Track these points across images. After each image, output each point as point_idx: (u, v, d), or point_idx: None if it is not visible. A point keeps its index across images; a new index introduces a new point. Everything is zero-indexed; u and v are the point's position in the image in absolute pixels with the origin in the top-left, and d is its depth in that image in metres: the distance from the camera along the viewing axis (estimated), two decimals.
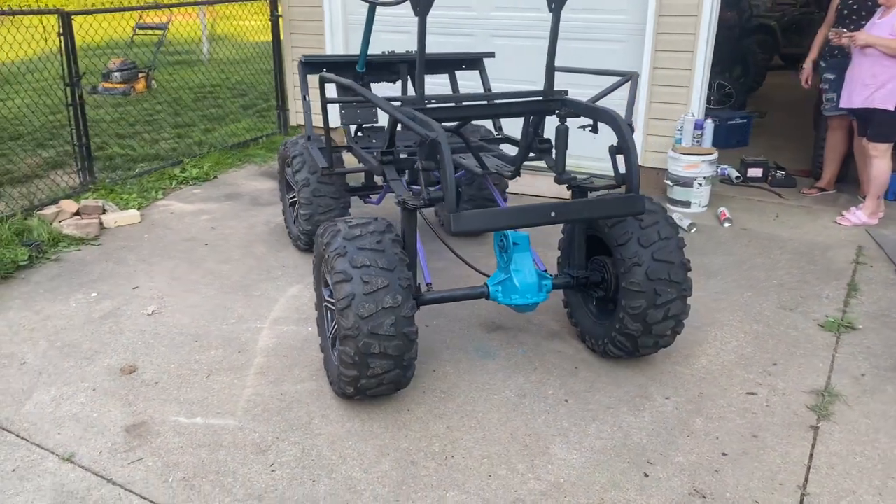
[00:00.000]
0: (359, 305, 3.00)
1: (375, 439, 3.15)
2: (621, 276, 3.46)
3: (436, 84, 6.28)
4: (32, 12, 5.70)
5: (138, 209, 6.02)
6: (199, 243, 5.34)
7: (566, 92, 3.84)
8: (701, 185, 6.02)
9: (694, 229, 5.61)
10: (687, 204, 6.07)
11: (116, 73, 11.17)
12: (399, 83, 5.16)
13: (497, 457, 3.05)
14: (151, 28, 12.39)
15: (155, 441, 3.13)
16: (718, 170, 6.84)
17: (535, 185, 6.55)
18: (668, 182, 6.16)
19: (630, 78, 3.63)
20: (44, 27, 6.21)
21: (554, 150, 3.71)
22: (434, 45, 7.44)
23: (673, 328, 3.50)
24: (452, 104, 3.64)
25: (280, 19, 8.11)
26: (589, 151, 6.83)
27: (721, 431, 3.22)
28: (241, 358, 3.79)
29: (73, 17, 5.85)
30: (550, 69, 3.75)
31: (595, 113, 3.51)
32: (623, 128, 3.18)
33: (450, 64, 5.08)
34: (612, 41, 6.58)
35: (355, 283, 3.02)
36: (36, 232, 5.24)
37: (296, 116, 8.37)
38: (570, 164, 7.05)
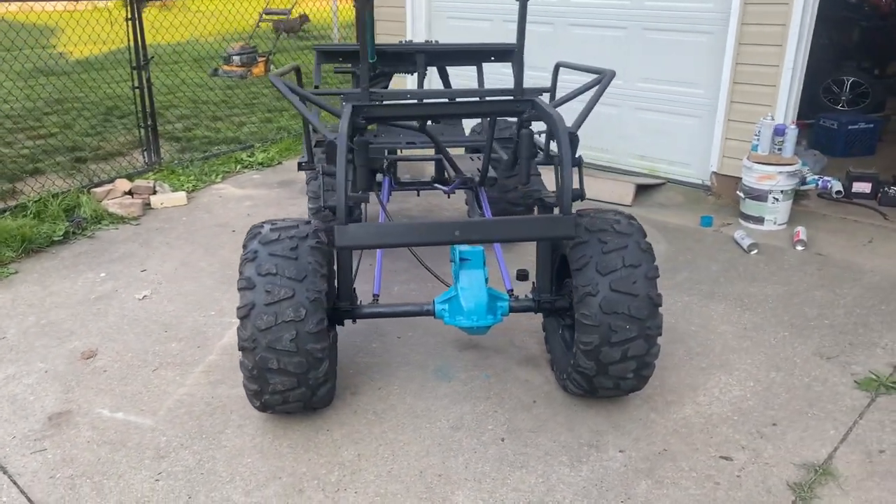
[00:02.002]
0: (257, 316, 2.79)
1: (277, 459, 2.94)
2: (576, 306, 3.01)
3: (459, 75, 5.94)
4: None
5: (190, 191, 6.18)
6: (226, 230, 5.37)
7: (539, 92, 3.37)
8: (777, 199, 5.23)
9: (754, 251, 4.89)
10: (759, 220, 5.32)
11: (236, 57, 11.66)
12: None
13: (392, 497, 2.74)
14: (276, 13, 12.81)
15: (68, 432, 3.11)
16: (819, 182, 5.97)
17: (595, 188, 6.01)
18: (741, 194, 5.42)
19: (604, 76, 3.10)
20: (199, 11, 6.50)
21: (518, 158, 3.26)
22: (510, 35, 7.05)
23: (636, 371, 3.00)
24: (398, 102, 3.31)
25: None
26: (664, 153, 6.23)
27: (665, 503, 2.71)
28: (197, 354, 3.71)
29: (142, 3, 6.05)
30: (519, 66, 3.29)
31: (544, 117, 3.05)
32: (560, 137, 2.72)
33: (477, 55, 4.71)
34: (697, 32, 5.89)
35: (257, 292, 2.81)
36: (83, 209, 5.49)
37: None
38: (644, 166, 6.47)
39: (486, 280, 3.19)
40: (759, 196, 5.28)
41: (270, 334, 2.79)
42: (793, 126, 5.31)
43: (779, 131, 5.29)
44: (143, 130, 6.49)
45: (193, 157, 6.94)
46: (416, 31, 7.68)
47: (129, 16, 5.99)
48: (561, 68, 3.97)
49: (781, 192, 5.23)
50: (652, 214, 5.68)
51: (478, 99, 3.42)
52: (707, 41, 5.83)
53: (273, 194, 6.18)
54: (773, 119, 5.31)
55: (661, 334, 2.98)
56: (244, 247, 2.97)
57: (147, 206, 5.82)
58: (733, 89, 5.62)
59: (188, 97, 9.76)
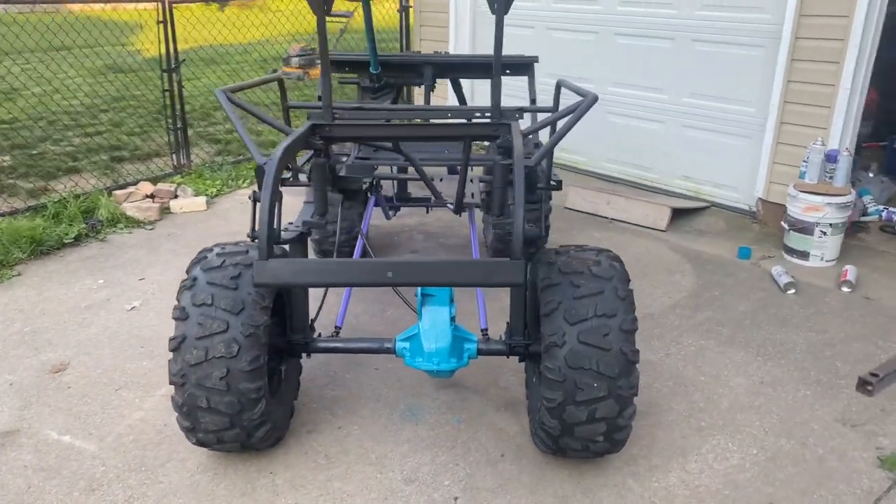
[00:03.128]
0: (187, 350, 2.60)
1: (209, 502, 2.74)
2: (542, 357, 2.68)
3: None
4: (136, 0, 5.94)
5: (213, 196, 6.11)
6: (237, 238, 5.24)
7: (519, 116, 3.03)
8: (825, 233, 4.72)
9: (791, 291, 4.40)
10: (804, 255, 4.81)
11: (294, 59, 11.67)
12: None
13: None
14: (339, 16, 12.75)
15: (7, 455, 2.99)
16: (884, 213, 5.39)
17: (628, 210, 5.61)
18: (785, 225, 4.92)
19: (584, 100, 2.74)
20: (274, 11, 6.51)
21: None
22: (553, 43, 6.71)
23: (606, 434, 2.65)
24: (364, 123, 3.05)
25: (411, 10, 7.82)
26: (710, 174, 5.78)
27: None
28: (164, 374, 3.54)
29: (174, 5, 6.02)
30: (496, 85, 2.96)
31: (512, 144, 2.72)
32: (516, 171, 2.39)
33: (490, 67, 4.38)
34: (749, 45, 5.41)
35: (190, 324, 2.62)
36: (100, 211, 5.48)
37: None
38: (689, 187, 6.00)
39: (453, 318, 2.91)
40: (805, 229, 4.77)
41: (200, 370, 2.59)
42: (846, 153, 4.77)
43: (831, 158, 4.77)
44: (172, 133, 6.47)
45: (224, 161, 6.89)
46: (459, 37, 7.43)
47: (161, 18, 5.96)
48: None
49: (830, 225, 4.70)
50: (686, 242, 5.24)
51: (450, 120, 3.13)
52: (759, 55, 5.34)
53: (297, 202, 6.01)
54: (823, 144, 4.79)
55: (636, 394, 2.62)
56: (187, 272, 2.78)
57: (166, 210, 5.77)
58: (784, 109, 5.12)
59: (250, 99, 9.79)
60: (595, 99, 2.72)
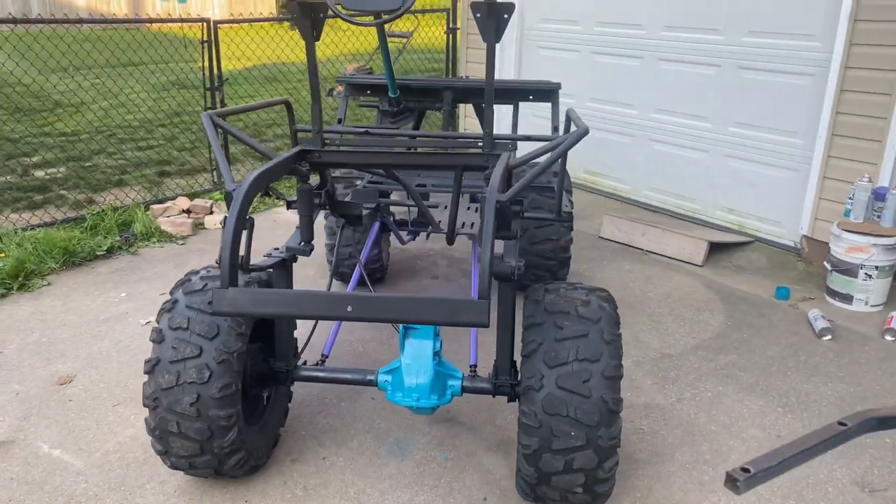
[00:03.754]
0: (160, 373, 2.58)
1: None
2: (520, 400, 2.55)
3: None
4: (181, 20, 6.11)
5: (250, 213, 6.17)
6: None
7: (514, 147, 2.91)
8: (870, 276, 4.41)
9: (827, 337, 4.12)
10: (847, 299, 4.51)
11: None
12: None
13: None
14: (397, 36, 12.89)
15: None
16: None
17: (664, 243, 5.39)
18: (827, 265, 4.63)
19: (571, 134, 2.60)
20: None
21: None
22: (596, 67, 6.56)
23: (585, 486, 2.49)
24: (354, 150, 2.99)
25: (458, 32, 7.80)
26: (755, 207, 5.52)
27: None
28: None
29: (218, 25, 6.15)
30: (489, 112, 2.85)
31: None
32: (487, 207, 2.27)
33: (513, 94, 4.30)
34: (797, 73, 5.15)
35: (164, 347, 2.60)
36: (137, 224, 5.61)
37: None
38: (732, 220, 5.74)
39: (438, 352, 2.81)
40: (849, 270, 4.47)
41: (171, 395, 2.56)
42: (894, 191, 4.46)
43: (879, 196, 4.47)
44: (211, 150, 6.58)
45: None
46: (504, 61, 7.35)
47: (205, 38, 6.10)
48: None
49: (876, 267, 4.39)
50: (722, 278, 4.98)
51: (441, 150, 3.04)
52: (807, 84, 5.07)
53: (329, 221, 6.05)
54: (870, 181, 4.49)
55: (618, 446, 2.46)
56: (171, 293, 2.77)
57: (200, 225, 5.86)
58: (831, 142, 4.83)
59: (297, 117, 9.96)
60: (585, 132, 2.59)
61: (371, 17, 3.36)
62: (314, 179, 3.08)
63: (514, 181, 2.67)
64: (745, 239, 5.54)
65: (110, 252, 5.27)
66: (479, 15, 2.61)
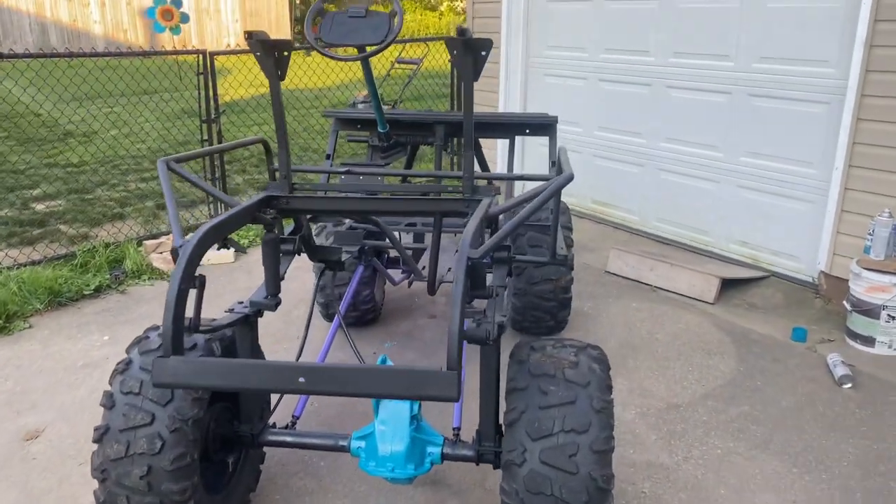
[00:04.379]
0: (109, 443, 2.37)
1: None
2: (502, 474, 2.31)
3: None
4: (176, 52, 5.99)
5: (248, 246, 6.02)
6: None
7: (496, 190, 2.70)
8: (893, 317, 4.12)
9: (847, 385, 3.83)
10: (869, 341, 4.22)
11: (361, 105, 11.69)
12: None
13: None
14: (409, 62, 12.78)
15: None
16: None
17: (673, 279, 5.13)
18: (847, 305, 4.34)
19: (554, 180, 2.38)
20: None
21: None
22: (605, 95, 6.35)
23: None
24: (322, 195, 2.79)
25: None
26: (769, 241, 5.26)
27: None
28: None
29: (214, 56, 6.03)
30: (469, 159, 2.64)
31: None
32: (456, 265, 2.05)
33: (510, 128, 4.09)
34: (811, 101, 4.90)
35: (115, 413, 2.40)
36: (127, 262, 5.45)
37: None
38: (746, 253, 5.46)
39: (416, 415, 2.58)
40: (870, 311, 4.18)
41: (120, 466, 2.35)
42: None
43: None
44: (209, 183, 6.44)
45: None
46: (509, 88, 7.17)
47: (201, 70, 5.97)
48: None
49: None
50: (735, 317, 4.71)
51: (419, 195, 2.83)
52: (822, 112, 4.82)
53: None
54: (891, 216, 4.22)
55: None
56: (127, 351, 2.57)
57: None
58: (848, 173, 4.57)
59: (299, 145, 9.85)
60: (569, 178, 2.37)
61: (355, 52, 3.19)
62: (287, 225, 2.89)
63: (502, 226, 2.44)
64: (760, 274, 5.26)
65: (98, 291, 5.11)
66: (455, 52, 2.41)
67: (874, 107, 4.38)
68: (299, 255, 3.01)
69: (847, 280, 4.47)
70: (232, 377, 2.04)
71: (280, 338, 4.45)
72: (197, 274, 2.21)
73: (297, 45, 2.67)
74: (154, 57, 14.61)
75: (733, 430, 3.49)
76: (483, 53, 2.44)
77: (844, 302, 4.38)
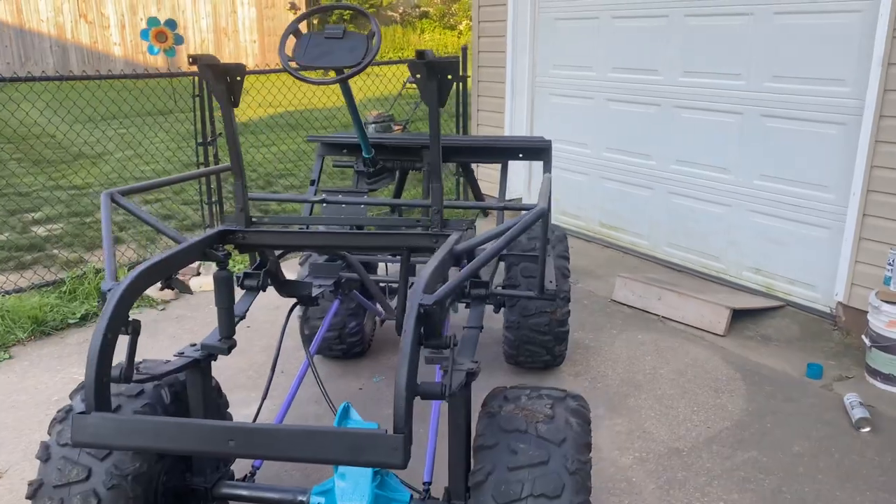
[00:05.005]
0: (41, 500, 2.18)
1: None
2: None
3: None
4: (170, 75, 5.88)
5: (192, 291, 5.82)
6: (242, 325, 4.90)
7: (469, 224, 2.49)
8: None
9: (865, 429, 3.55)
10: (891, 380, 3.93)
11: (372, 126, 11.57)
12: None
13: None
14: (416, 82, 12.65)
15: None
16: None
17: (681, 309, 4.88)
18: (866, 341, 4.06)
19: (535, 213, 2.16)
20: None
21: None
22: (612, 116, 6.13)
23: None
24: (281, 230, 2.59)
25: (468, 79, 7.45)
26: (784, 268, 5.00)
27: None
28: None
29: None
30: (437, 191, 2.44)
31: None
32: (408, 313, 1.83)
33: (502, 152, 3.88)
34: (827, 122, 4.65)
35: (50, 467, 2.21)
36: None
37: None
38: (760, 281, 5.19)
39: (380, 469, 2.36)
40: (890, 347, 3.90)
41: None
42: None
43: None
44: (207, 207, 6.31)
45: None
46: (515, 108, 6.98)
47: (197, 92, 5.86)
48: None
49: None
50: (747, 351, 4.44)
51: (385, 229, 2.62)
52: (839, 134, 4.56)
53: None
54: None
55: None
56: (70, 397, 2.39)
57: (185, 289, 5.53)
58: (867, 199, 4.30)
59: (308, 167, 9.72)
60: (541, 213, 2.15)
61: (333, 74, 3.02)
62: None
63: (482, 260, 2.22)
64: (774, 304, 4.98)
65: (85, 319, 4.97)
66: (418, 76, 2.22)
67: (893, 128, 4.12)
68: (264, 290, 2.83)
69: (866, 312, 4.19)
70: (158, 438, 1.84)
71: (265, 373, 4.25)
72: (120, 322, 2.02)
73: (258, 68, 2.50)
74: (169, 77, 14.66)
75: (739, 478, 3.22)
76: (449, 77, 2.24)
77: (863, 336, 4.10)
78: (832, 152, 4.60)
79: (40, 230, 6.99)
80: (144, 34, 12.11)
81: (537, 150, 3.82)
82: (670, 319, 4.89)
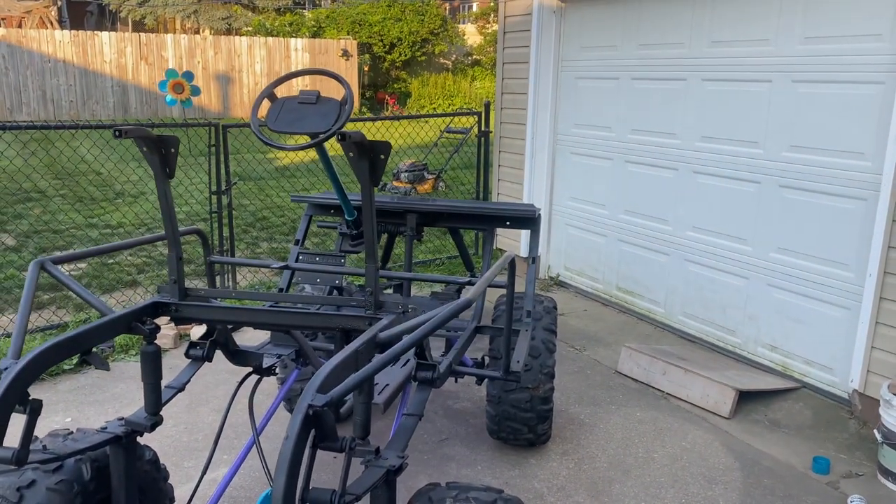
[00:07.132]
0: None
1: None
2: None
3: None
4: (195, 125, 5.98)
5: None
6: (234, 377, 4.85)
7: (406, 309, 2.36)
8: None
9: None
10: None
11: (404, 174, 11.61)
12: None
13: None
14: (457, 132, 12.69)
15: None
16: None
17: (686, 386, 4.63)
18: (878, 436, 3.75)
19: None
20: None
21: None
22: (631, 177, 5.97)
23: None
24: (218, 304, 2.51)
25: (491, 135, 7.39)
26: (801, 347, 4.74)
27: None
28: None
29: (228, 129, 5.98)
30: (371, 272, 2.32)
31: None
32: (292, 420, 1.70)
33: (487, 219, 3.76)
34: (845, 196, 4.41)
35: None
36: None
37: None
38: (776, 360, 4.91)
39: None
40: None
41: None
42: None
43: None
44: (219, 253, 6.33)
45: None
46: (535, 166, 6.86)
47: (213, 142, 5.93)
48: None
49: None
50: (751, 436, 4.16)
51: (318, 310, 2.51)
52: (857, 209, 4.31)
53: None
54: None
55: None
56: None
57: (186, 336, 5.53)
58: (884, 282, 4.02)
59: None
60: (465, 305, 2.00)
61: (307, 139, 2.96)
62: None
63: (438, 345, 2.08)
64: (786, 385, 4.68)
65: (81, 365, 4.98)
66: (351, 155, 2.13)
67: None
68: (210, 361, 2.74)
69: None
70: None
71: (242, 432, 4.16)
72: (14, 401, 1.95)
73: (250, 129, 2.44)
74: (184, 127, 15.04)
75: None
76: (382, 157, 2.15)
77: (875, 431, 3.79)
78: (851, 228, 4.35)
79: (64, 269, 7.12)
80: (162, 85, 12.45)
81: (525, 220, 3.69)
82: (674, 396, 4.64)
